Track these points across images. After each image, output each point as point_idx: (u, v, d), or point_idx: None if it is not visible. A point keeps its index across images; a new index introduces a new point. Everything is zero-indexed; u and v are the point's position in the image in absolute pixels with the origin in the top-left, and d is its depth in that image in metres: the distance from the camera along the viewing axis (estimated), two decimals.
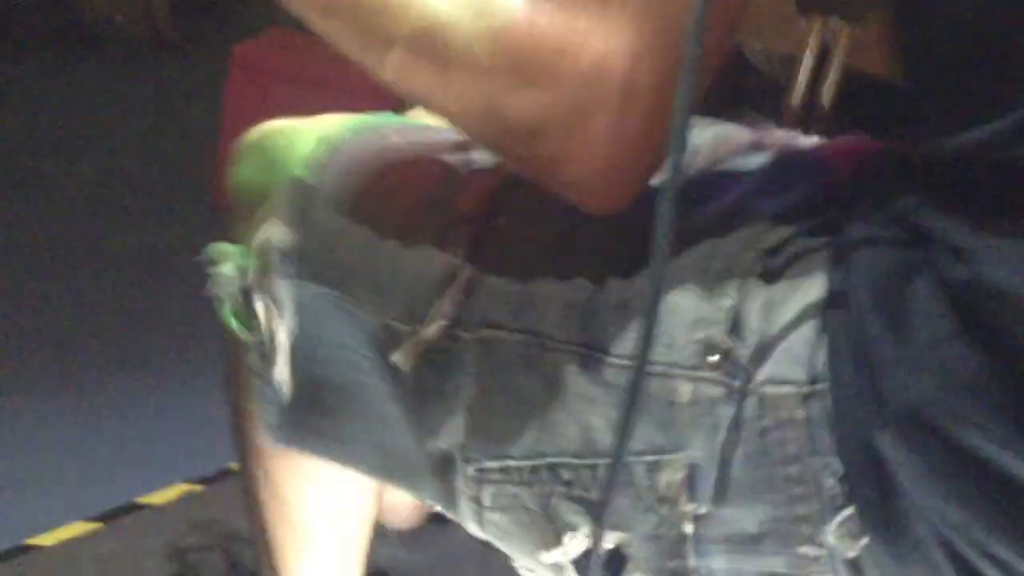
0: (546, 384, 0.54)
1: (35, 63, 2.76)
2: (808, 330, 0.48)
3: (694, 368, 0.50)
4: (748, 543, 0.50)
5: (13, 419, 1.42)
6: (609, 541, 0.53)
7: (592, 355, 0.53)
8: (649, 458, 0.51)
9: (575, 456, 0.53)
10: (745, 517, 0.50)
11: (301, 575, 0.80)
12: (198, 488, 1.37)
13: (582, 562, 0.54)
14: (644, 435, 0.50)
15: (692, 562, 0.51)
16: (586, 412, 0.53)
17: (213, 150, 1.91)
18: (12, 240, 1.83)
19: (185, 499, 1.35)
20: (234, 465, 1.24)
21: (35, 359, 1.56)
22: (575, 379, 0.53)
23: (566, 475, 0.54)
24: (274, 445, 0.70)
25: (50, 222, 1.94)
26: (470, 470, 0.57)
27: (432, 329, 0.57)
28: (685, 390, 0.50)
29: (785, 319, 0.48)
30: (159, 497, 1.35)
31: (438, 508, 0.65)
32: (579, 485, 0.53)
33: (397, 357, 0.58)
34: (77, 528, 1.27)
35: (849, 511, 0.47)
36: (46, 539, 1.24)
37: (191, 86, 2.93)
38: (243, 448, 0.78)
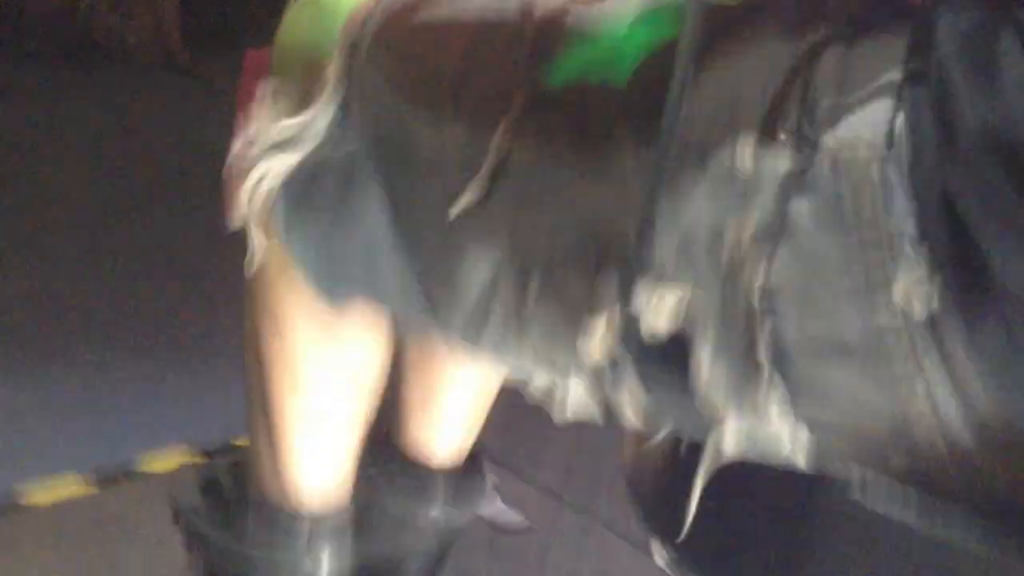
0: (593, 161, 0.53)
1: (48, 82, 2.79)
2: (886, 92, 0.45)
3: (762, 131, 0.47)
4: (821, 310, 0.46)
5: (23, 380, 1.40)
6: (670, 298, 0.50)
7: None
8: (711, 220, 0.48)
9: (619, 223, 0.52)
10: (818, 284, 0.46)
11: (303, 443, 0.76)
12: (200, 459, 1.31)
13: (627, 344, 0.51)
14: (707, 202, 0.48)
15: (762, 331, 0.48)
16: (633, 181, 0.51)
17: (222, 163, 1.95)
18: (30, 230, 1.88)
19: (186, 469, 1.29)
20: (237, 440, 1.22)
21: (53, 329, 1.55)
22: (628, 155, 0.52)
23: (611, 244, 0.52)
24: (311, 298, 0.67)
25: (65, 220, 1.98)
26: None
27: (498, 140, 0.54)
28: (748, 154, 0.47)
29: (862, 81, 0.45)
30: (160, 465, 1.29)
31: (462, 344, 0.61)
32: (620, 247, 0.51)
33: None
34: (73, 489, 1.21)
35: (925, 271, 0.44)
36: (41, 498, 1.17)
37: (200, 106, 2.98)
38: (255, 317, 0.74)
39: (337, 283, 0.67)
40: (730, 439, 0.50)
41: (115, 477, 1.25)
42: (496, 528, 1.36)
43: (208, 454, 1.33)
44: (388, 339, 0.75)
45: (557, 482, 1.51)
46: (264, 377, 0.76)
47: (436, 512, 0.87)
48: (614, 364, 0.53)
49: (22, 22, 3.09)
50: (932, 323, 0.44)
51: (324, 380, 0.74)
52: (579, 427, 1.90)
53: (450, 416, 0.86)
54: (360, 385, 0.76)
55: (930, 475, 0.46)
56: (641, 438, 0.63)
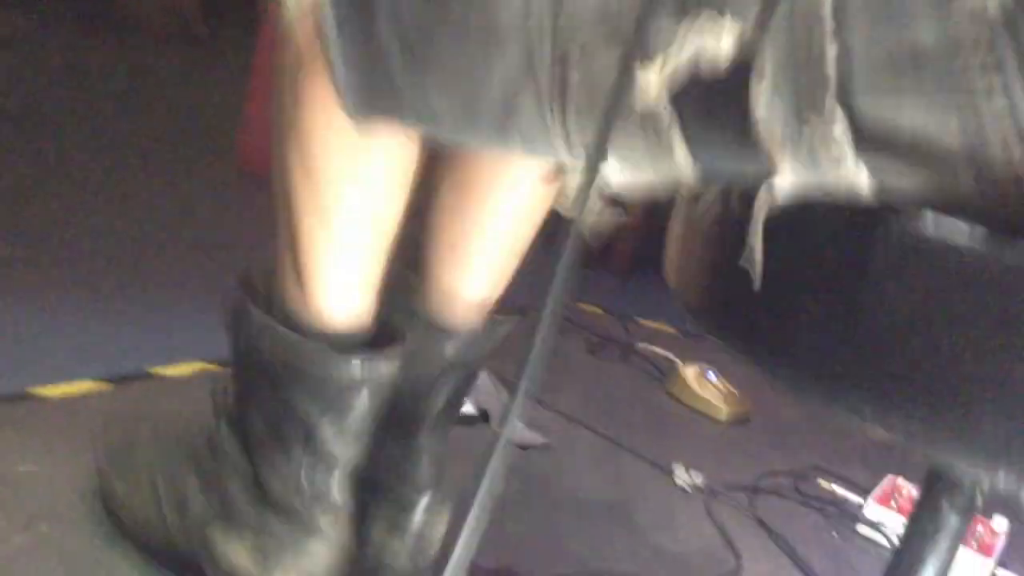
0: None
1: (69, 50, 2.80)
2: None
3: None
4: (893, 18, 0.43)
5: (42, 284, 1.41)
6: (726, 36, 0.47)
7: None
8: None
9: None
10: None
11: (328, 274, 0.75)
12: (215, 367, 1.29)
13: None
14: None
15: (829, 51, 0.45)
16: None
17: (237, 122, 2.11)
18: (55, 164, 1.93)
19: (200, 376, 1.27)
20: None
21: (77, 254, 1.54)
22: None
23: None
24: (344, 113, 0.66)
25: (90, 157, 2.03)
26: None
27: None
28: None
29: None
30: (173, 370, 1.27)
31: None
32: None
33: None
34: (84, 385, 1.19)
35: None
36: (51, 391, 1.16)
37: (216, 73, 3.01)
38: (284, 147, 0.73)
39: (372, 96, 0.65)
40: (785, 179, 0.48)
41: (128, 378, 1.23)
42: (515, 444, 1.34)
43: (225, 365, 1.31)
44: (414, 165, 0.73)
45: (576, 409, 1.49)
46: (290, 209, 0.74)
47: (452, 352, 0.86)
48: (664, 113, 0.50)
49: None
50: (1010, 23, 0.41)
51: (349, 209, 0.73)
52: (597, 360, 1.89)
53: (476, 265, 0.85)
54: (385, 214, 0.75)
55: (1000, 199, 0.43)
56: (685, 229, 0.60)
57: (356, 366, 0.77)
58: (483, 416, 1.37)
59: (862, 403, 0.44)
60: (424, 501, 0.92)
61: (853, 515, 1.40)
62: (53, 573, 0.88)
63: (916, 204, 0.45)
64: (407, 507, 0.92)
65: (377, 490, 0.92)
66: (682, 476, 1.38)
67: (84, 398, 1.17)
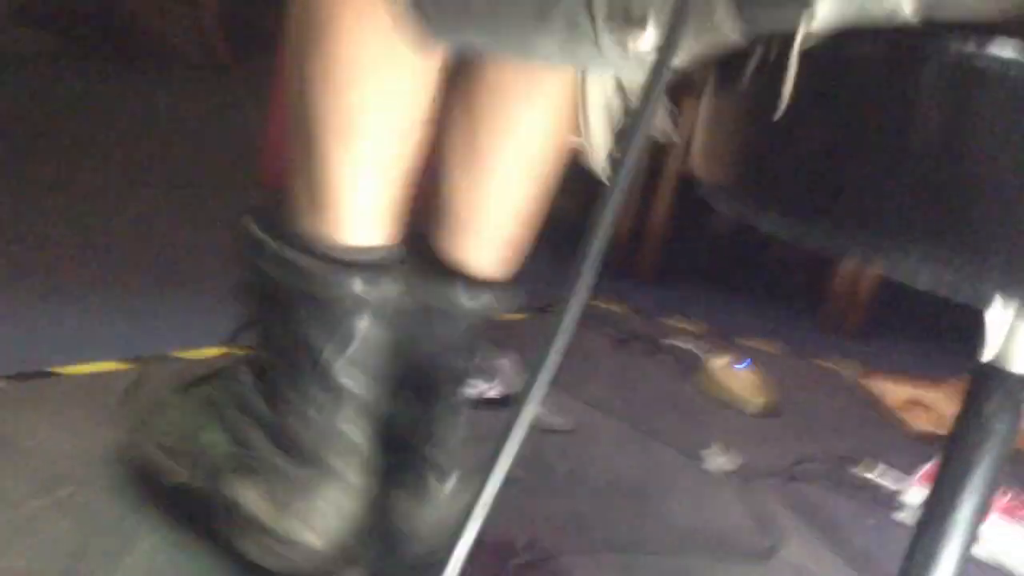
0: None
1: (98, 82, 2.85)
2: None
3: None
4: None
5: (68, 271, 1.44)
6: None
7: None
8: None
9: None
10: None
11: (346, 179, 0.74)
12: (239, 351, 1.28)
13: None
14: None
15: None
16: None
17: (262, 143, 2.13)
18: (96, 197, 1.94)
19: (220, 360, 1.26)
20: None
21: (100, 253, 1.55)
22: None
23: None
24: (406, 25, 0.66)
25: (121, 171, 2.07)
26: None
27: None
28: None
29: None
30: (195, 353, 1.26)
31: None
32: None
33: None
34: (105, 365, 1.18)
35: None
36: (71, 370, 1.15)
37: (240, 97, 3.05)
38: (305, 52, 0.72)
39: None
40: (824, 5, 0.46)
41: (149, 359, 1.23)
42: (540, 428, 1.31)
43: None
44: (435, 88, 0.73)
45: (601, 399, 1.46)
46: (310, 129, 0.74)
47: (468, 304, 0.85)
48: None
49: (67, 22, 3.15)
50: None
51: (374, 127, 0.72)
52: (622, 355, 1.86)
53: (486, 228, 0.84)
54: (406, 136, 0.74)
55: None
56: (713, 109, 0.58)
57: (357, 284, 0.76)
58: (505, 401, 1.35)
59: (909, 248, 0.42)
60: (456, 472, 0.91)
61: (891, 500, 1.36)
62: (71, 533, 0.86)
63: (966, 24, 0.42)
64: (437, 475, 0.90)
65: (406, 453, 0.90)
66: (712, 461, 1.34)
67: (104, 376, 1.16)
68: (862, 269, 2.10)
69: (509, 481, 0.55)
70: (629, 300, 1.97)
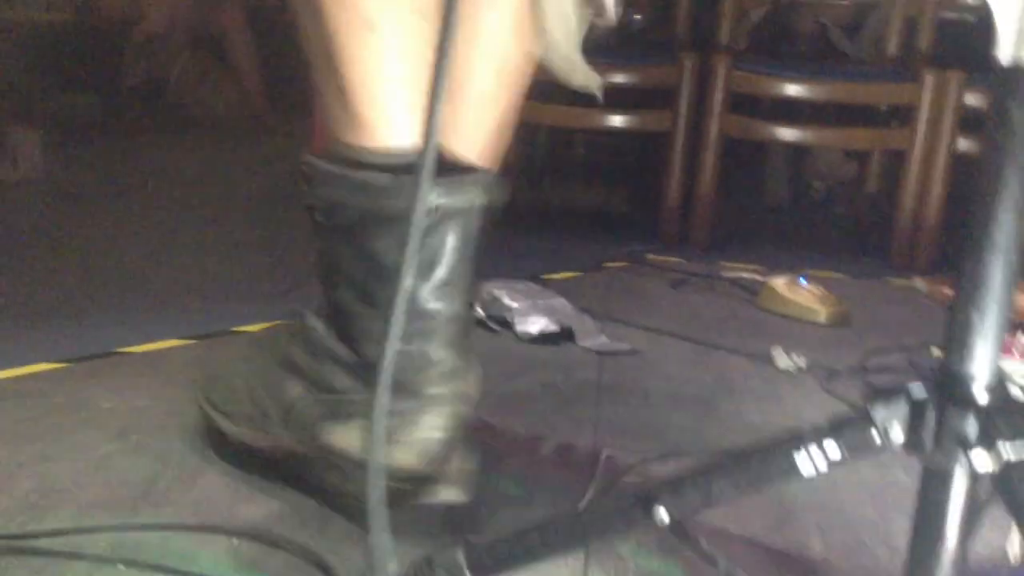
0: None
1: (145, 144, 2.96)
2: None
3: None
4: None
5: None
6: None
7: None
8: None
9: None
10: None
11: (374, 75, 0.74)
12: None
13: None
14: None
15: None
16: None
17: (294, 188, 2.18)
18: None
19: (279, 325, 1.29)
20: None
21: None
22: None
23: None
24: None
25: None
26: None
27: None
28: None
29: None
30: (256, 327, 1.29)
31: None
32: None
33: None
34: (169, 343, 1.22)
35: None
36: (138, 348, 1.19)
37: (281, 149, 3.12)
38: None
39: None
40: None
41: (210, 334, 1.26)
42: (603, 353, 1.31)
43: None
44: None
45: (663, 325, 1.45)
46: (330, 37, 0.74)
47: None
48: None
49: (113, 88, 3.29)
50: None
51: (393, 18, 0.73)
52: (682, 293, 1.84)
53: (459, 141, 0.82)
54: (419, 11, 0.74)
55: None
56: None
57: (434, 190, 0.72)
58: (566, 334, 1.34)
59: None
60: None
61: None
62: (144, 467, 0.89)
63: None
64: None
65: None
66: (784, 361, 1.31)
67: (169, 351, 1.20)
68: (923, 202, 2.05)
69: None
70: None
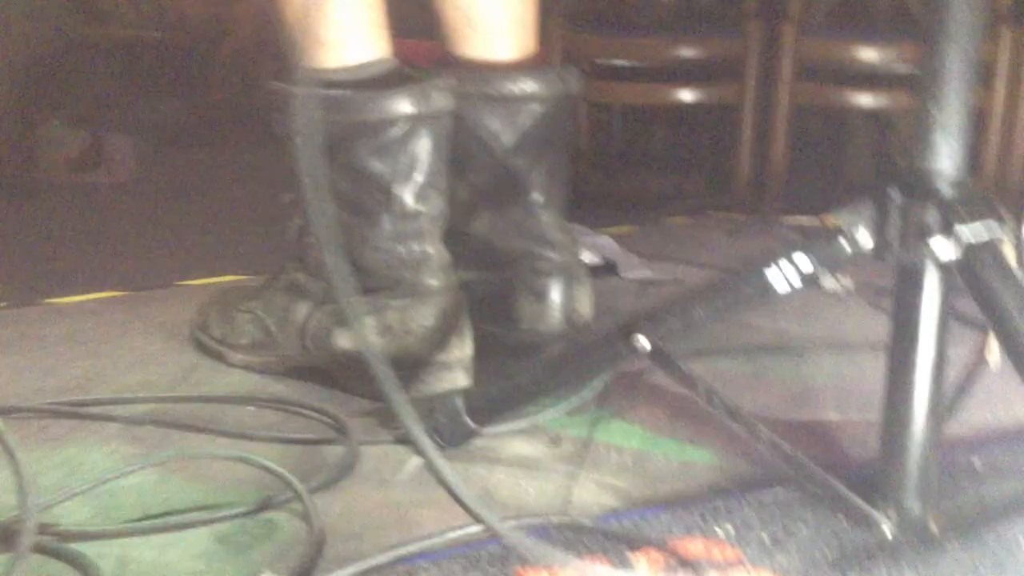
0: None
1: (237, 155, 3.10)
2: None
3: None
4: None
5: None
6: None
7: None
8: None
9: None
10: None
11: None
12: None
13: None
14: None
15: None
16: None
17: None
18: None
19: None
20: None
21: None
22: None
23: None
24: None
25: None
26: None
27: None
28: None
29: None
30: None
31: None
32: None
33: None
34: (226, 278, 1.28)
35: None
36: (195, 282, 1.25)
37: None
38: None
39: None
40: None
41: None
42: (645, 282, 1.32)
43: None
44: None
45: (715, 261, 1.45)
46: None
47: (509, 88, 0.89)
48: None
49: (208, 105, 3.45)
50: None
51: None
52: (738, 240, 1.80)
53: (491, 25, 0.90)
54: None
55: None
56: None
57: (405, 99, 0.81)
58: (609, 267, 1.36)
59: None
60: (558, 259, 0.94)
61: None
62: (185, 360, 0.94)
63: None
64: (547, 271, 0.94)
65: (515, 262, 0.94)
66: (830, 283, 1.29)
67: (222, 283, 1.25)
68: (1004, 162, 1.98)
69: None
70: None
